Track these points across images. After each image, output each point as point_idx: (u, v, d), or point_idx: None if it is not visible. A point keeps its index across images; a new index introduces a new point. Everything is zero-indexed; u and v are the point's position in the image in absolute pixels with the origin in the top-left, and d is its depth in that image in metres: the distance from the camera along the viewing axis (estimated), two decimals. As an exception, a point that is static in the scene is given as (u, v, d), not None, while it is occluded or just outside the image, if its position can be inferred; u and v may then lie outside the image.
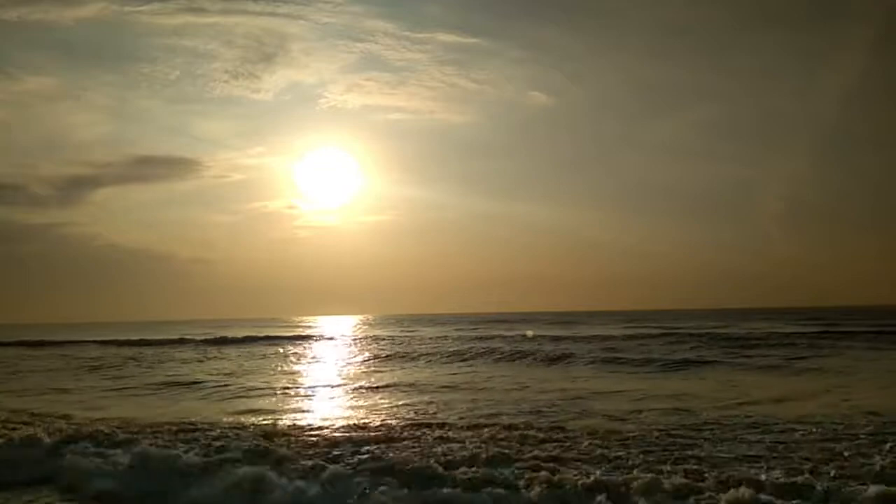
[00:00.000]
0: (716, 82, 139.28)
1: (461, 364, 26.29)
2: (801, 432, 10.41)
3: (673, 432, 10.64)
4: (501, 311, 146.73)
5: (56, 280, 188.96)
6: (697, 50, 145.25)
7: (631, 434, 10.53)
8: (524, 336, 40.74)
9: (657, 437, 10.25)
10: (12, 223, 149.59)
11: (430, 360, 27.82)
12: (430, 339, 41.66)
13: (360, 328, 68.51)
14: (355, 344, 40.62)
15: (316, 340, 46.44)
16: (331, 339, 48.14)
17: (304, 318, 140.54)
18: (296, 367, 27.30)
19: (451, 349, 31.26)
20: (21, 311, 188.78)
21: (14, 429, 11.45)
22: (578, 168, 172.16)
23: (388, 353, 31.99)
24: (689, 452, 9.14)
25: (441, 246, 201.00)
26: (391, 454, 8.85)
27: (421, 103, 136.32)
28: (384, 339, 43.26)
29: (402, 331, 58.32)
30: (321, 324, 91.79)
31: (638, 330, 46.73)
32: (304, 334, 54.35)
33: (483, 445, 9.47)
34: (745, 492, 6.74)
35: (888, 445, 9.15)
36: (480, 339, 38.63)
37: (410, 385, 19.10)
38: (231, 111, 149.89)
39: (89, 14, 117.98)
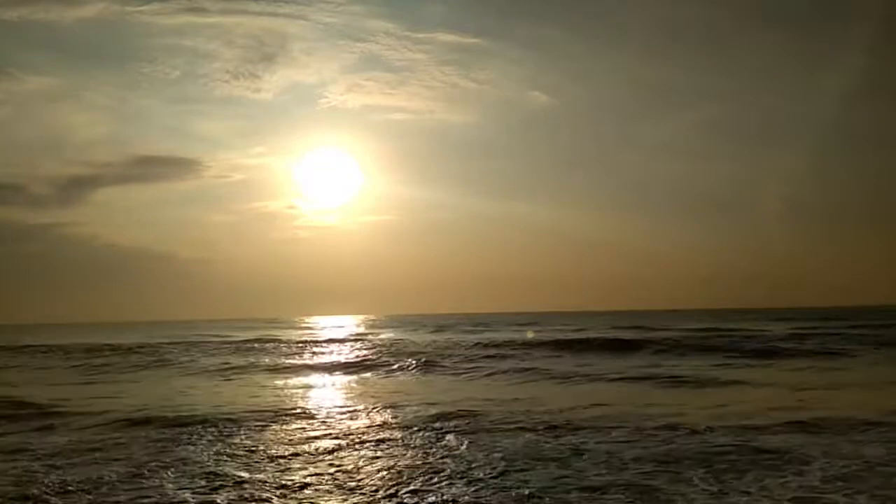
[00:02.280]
0: (716, 82, 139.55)
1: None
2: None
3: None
4: (502, 312, 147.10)
5: (56, 280, 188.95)
6: (697, 50, 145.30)
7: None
8: (525, 337, 40.96)
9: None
10: (12, 223, 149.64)
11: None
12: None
13: (368, 330, 66.73)
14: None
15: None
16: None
17: (304, 318, 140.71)
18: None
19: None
20: (21, 311, 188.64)
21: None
22: (579, 168, 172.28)
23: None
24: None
25: (441, 246, 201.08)
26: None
27: (421, 103, 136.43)
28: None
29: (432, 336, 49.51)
30: (323, 325, 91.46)
31: (643, 333, 46.49)
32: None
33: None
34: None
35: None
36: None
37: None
38: (231, 111, 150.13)
39: (90, 14, 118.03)
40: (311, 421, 13.01)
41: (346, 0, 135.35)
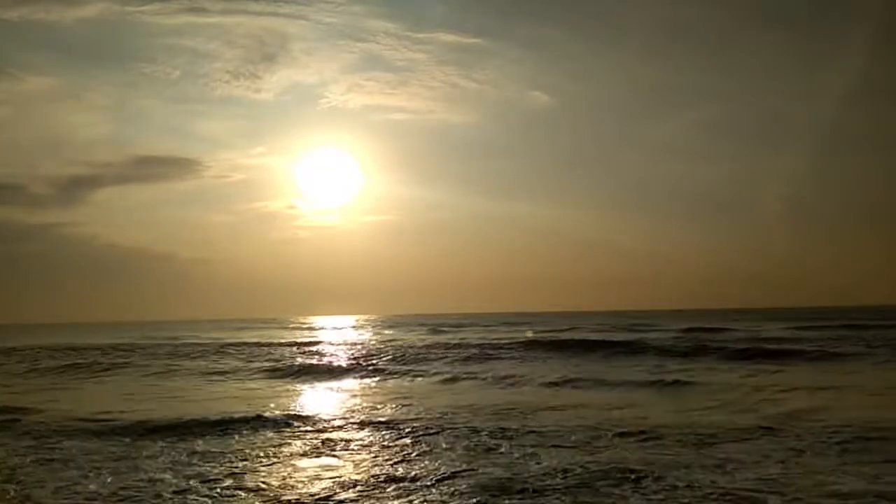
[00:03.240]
0: (716, 82, 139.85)
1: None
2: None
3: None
4: (501, 312, 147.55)
5: (56, 280, 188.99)
6: (697, 50, 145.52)
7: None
8: (525, 337, 41.42)
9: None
10: (12, 223, 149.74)
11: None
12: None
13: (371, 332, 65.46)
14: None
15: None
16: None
17: (303, 318, 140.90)
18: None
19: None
20: (21, 311, 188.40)
21: None
22: (579, 168, 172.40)
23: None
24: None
25: (441, 246, 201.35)
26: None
27: (421, 103, 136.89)
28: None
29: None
30: (315, 325, 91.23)
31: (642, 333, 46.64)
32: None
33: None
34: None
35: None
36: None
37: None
38: (232, 111, 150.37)
39: (90, 14, 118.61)
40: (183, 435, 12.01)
41: (347, 0, 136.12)
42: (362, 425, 12.57)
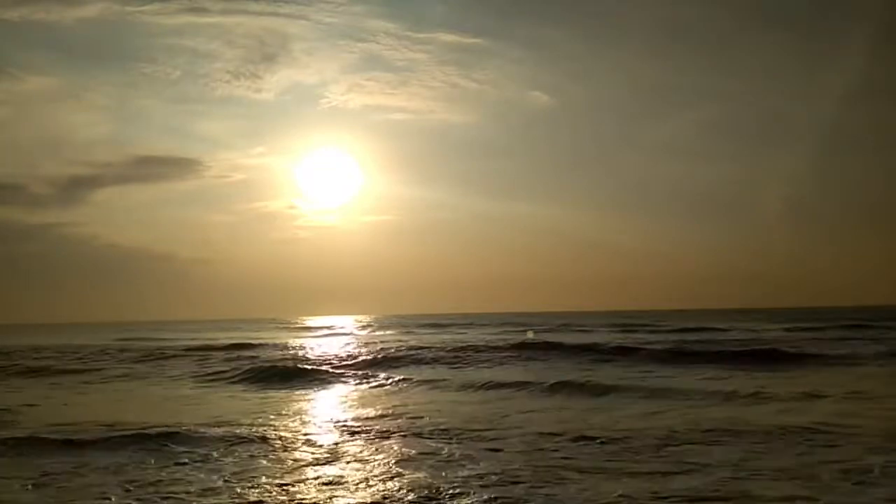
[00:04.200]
0: (716, 82, 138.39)
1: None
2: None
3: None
4: (502, 312, 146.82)
5: (56, 280, 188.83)
6: (697, 50, 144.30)
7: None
8: (525, 337, 40.53)
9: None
10: (12, 223, 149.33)
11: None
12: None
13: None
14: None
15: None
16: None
17: (304, 318, 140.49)
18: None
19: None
20: (21, 311, 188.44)
21: None
22: (579, 168, 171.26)
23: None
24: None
25: (441, 246, 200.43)
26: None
27: (422, 103, 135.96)
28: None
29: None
30: (315, 325, 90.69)
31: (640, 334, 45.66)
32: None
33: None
34: None
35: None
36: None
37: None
38: (232, 111, 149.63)
39: (91, 14, 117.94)
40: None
41: (347, 0, 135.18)
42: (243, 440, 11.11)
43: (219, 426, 12.27)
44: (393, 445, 10.49)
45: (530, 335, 41.72)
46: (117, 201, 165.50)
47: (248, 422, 13.00)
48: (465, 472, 8.54)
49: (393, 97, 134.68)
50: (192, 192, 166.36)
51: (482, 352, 28.62)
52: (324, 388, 19.64)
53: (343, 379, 21.37)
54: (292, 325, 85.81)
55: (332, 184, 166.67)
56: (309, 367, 24.06)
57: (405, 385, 19.27)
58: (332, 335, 54.97)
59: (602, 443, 10.21)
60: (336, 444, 10.86)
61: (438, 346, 31.71)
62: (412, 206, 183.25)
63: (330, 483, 8.39)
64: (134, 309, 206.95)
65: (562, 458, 9.37)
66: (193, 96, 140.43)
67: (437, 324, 69.94)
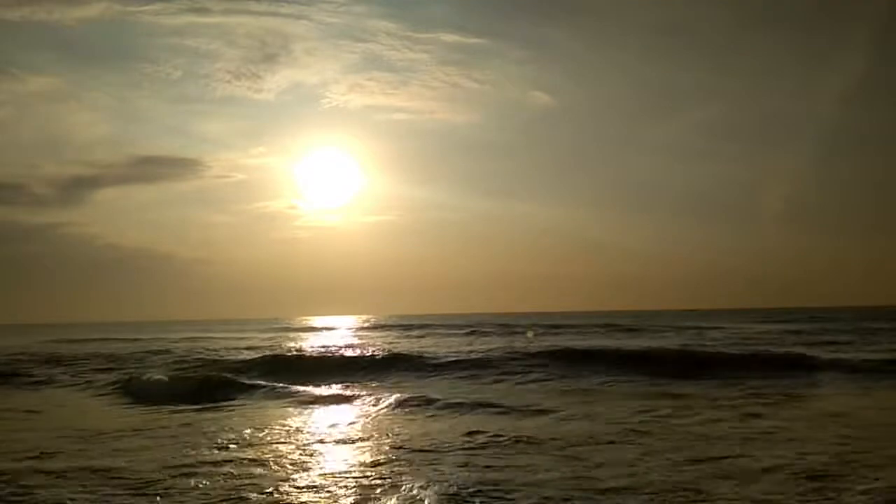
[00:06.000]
0: (716, 82, 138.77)
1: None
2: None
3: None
4: (502, 312, 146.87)
5: (56, 280, 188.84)
6: (697, 50, 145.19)
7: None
8: (525, 337, 40.64)
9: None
10: (13, 223, 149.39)
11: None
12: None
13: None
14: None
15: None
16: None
17: (304, 318, 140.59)
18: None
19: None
20: (21, 312, 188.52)
21: None
22: (580, 168, 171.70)
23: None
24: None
25: (443, 246, 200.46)
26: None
27: (423, 103, 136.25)
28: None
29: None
30: (300, 326, 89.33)
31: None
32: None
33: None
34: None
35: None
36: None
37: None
38: (233, 111, 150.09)
39: (92, 14, 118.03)
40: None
41: (348, 0, 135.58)
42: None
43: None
44: None
45: (530, 335, 41.83)
46: (118, 201, 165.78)
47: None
48: None
49: (394, 97, 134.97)
50: (192, 193, 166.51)
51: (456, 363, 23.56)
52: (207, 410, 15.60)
53: (273, 394, 17.60)
54: (275, 326, 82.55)
55: (332, 184, 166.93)
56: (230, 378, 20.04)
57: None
58: (318, 335, 53.96)
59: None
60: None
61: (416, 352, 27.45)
62: (413, 207, 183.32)
63: None
64: (134, 309, 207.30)
65: None
66: (194, 96, 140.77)
67: (451, 324, 67.44)
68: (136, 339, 47.02)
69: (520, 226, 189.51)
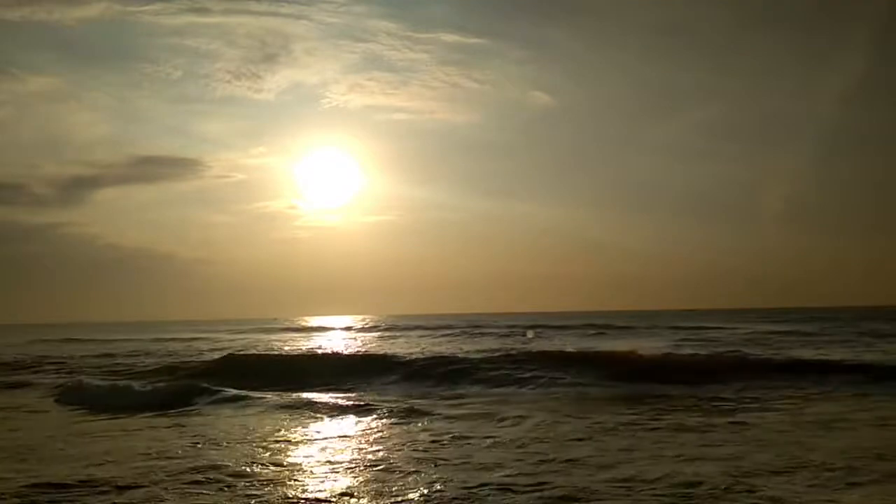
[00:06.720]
0: (716, 82, 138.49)
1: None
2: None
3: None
4: (502, 312, 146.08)
5: (57, 280, 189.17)
6: (697, 50, 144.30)
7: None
8: (525, 337, 39.75)
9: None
10: (13, 223, 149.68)
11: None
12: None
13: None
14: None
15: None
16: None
17: (304, 318, 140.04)
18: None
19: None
20: (21, 311, 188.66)
21: None
22: (580, 168, 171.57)
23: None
24: None
25: (443, 246, 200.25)
26: None
27: (423, 103, 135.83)
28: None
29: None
30: (297, 326, 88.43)
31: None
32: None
33: None
34: None
35: None
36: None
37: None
38: (233, 111, 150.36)
39: (92, 14, 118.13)
40: None
41: (348, 0, 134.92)
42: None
43: None
44: None
45: (530, 335, 41.05)
46: (118, 201, 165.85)
47: None
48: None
49: (394, 97, 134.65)
50: (192, 193, 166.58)
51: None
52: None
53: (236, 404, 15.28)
54: (274, 327, 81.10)
55: (332, 184, 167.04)
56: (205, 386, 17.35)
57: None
58: (310, 337, 53.09)
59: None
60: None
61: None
62: (413, 207, 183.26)
63: None
64: (135, 309, 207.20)
65: None
66: (194, 96, 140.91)
67: (448, 324, 65.59)
68: (107, 341, 45.95)
69: (520, 226, 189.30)
